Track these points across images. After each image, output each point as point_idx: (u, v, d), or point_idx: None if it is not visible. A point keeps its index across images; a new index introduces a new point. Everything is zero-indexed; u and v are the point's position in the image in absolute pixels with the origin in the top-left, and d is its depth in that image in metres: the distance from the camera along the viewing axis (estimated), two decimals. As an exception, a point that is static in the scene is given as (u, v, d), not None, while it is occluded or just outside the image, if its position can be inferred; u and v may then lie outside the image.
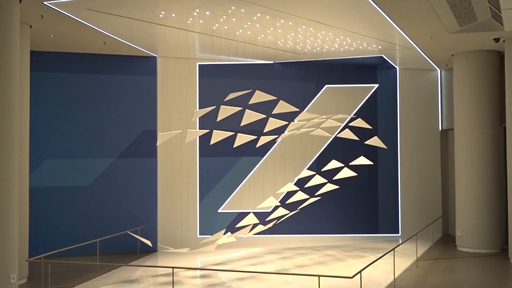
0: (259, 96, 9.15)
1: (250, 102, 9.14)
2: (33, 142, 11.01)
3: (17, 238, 7.88)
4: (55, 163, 11.86)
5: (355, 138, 10.51)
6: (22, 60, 9.14)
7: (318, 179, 10.62)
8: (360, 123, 10.19)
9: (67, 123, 12.00)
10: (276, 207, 11.10)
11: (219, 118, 9.07)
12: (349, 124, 10.36)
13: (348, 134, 10.44)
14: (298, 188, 10.67)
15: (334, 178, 10.67)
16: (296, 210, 10.78)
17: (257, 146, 10.09)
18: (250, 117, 9.43)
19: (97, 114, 12.24)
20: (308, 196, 10.66)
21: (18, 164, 8.01)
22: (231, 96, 8.84)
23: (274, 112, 9.59)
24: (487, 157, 11.95)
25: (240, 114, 9.32)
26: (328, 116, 10.12)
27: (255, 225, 10.30)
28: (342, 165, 10.53)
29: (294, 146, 13.14)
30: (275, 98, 9.38)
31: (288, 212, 10.66)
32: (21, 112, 9.13)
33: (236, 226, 10.70)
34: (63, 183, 11.90)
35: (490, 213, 11.92)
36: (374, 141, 10.38)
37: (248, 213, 12.40)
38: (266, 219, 10.97)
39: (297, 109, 9.85)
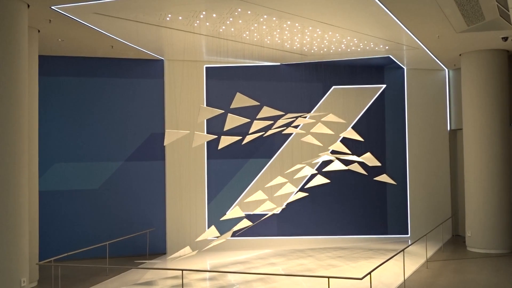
0: (267, 111, 9.27)
1: (258, 117, 9.28)
2: (42, 146, 11.05)
3: (27, 242, 7.93)
4: (64, 167, 11.92)
5: (364, 172, 10.49)
6: (30, 65, 9.21)
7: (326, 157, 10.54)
8: (369, 159, 10.11)
9: (75, 127, 12.06)
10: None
11: (226, 128, 9.05)
12: (359, 158, 10.29)
13: (356, 168, 10.41)
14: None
15: (344, 157, 10.60)
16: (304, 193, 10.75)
17: (266, 135, 10.10)
18: (257, 125, 9.59)
19: (105, 117, 12.30)
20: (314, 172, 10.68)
21: (27, 168, 8.06)
22: (238, 98, 8.80)
23: (283, 118, 9.72)
24: (496, 156, 11.87)
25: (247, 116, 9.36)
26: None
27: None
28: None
29: (302, 148, 13.10)
30: (283, 113, 9.49)
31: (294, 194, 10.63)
32: (30, 116, 9.19)
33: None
34: (72, 187, 11.96)
35: (500, 213, 11.84)
36: (384, 178, 10.39)
37: (257, 215, 12.42)
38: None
39: (305, 113, 9.94)
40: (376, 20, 9.68)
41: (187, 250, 9.72)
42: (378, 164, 10.21)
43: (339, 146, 10.28)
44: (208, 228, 12.75)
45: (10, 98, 7.62)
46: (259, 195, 10.13)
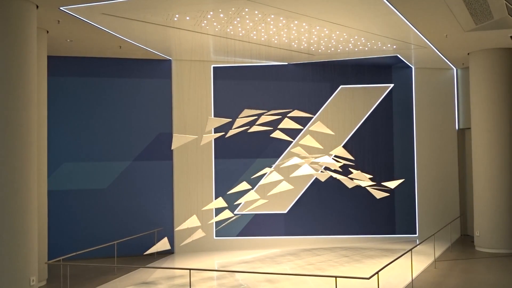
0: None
1: (266, 114, 9.59)
2: (51, 146, 11.15)
3: (36, 241, 7.99)
4: (72, 167, 11.99)
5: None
6: (39, 65, 9.28)
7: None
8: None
9: (84, 127, 12.12)
10: None
11: (234, 127, 9.38)
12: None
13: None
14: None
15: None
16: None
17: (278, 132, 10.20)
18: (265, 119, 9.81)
19: (114, 117, 12.36)
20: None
21: (36, 168, 8.12)
22: (246, 112, 9.23)
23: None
24: (505, 155, 11.81)
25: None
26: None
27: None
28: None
29: (310, 147, 13.09)
30: (287, 110, 9.79)
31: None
32: (39, 116, 9.26)
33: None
34: (81, 186, 12.03)
35: (509, 212, 11.77)
36: (394, 183, 10.36)
37: (264, 214, 12.43)
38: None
39: (311, 115, 10.07)
40: (384, 19, 9.66)
41: (194, 220, 9.63)
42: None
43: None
44: (215, 227, 12.83)
45: (19, 98, 7.68)
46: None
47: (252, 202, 10.12)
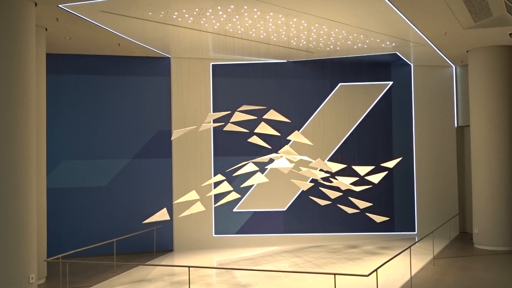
0: (273, 115, 9.55)
1: (265, 117, 9.56)
2: (50, 143, 11.15)
3: (35, 239, 7.99)
4: (72, 164, 11.99)
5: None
6: (38, 63, 9.27)
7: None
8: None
9: (83, 125, 12.12)
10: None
11: (233, 119, 9.45)
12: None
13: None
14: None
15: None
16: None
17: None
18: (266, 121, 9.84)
19: (112, 115, 12.35)
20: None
21: (35, 165, 8.12)
22: (244, 107, 9.25)
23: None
24: (504, 153, 11.82)
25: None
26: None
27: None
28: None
29: (309, 146, 13.09)
30: (289, 121, 9.92)
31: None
32: (38, 114, 9.26)
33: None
34: (80, 184, 12.03)
35: (507, 210, 11.79)
36: (392, 163, 10.34)
37: (263, 212, 12.43)
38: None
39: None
40: (383, 17, 9.66)
41: (193, 194, 9.60)
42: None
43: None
44: (215, 225, 12.84)
45: (18, 96, 7.67)
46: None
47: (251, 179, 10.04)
